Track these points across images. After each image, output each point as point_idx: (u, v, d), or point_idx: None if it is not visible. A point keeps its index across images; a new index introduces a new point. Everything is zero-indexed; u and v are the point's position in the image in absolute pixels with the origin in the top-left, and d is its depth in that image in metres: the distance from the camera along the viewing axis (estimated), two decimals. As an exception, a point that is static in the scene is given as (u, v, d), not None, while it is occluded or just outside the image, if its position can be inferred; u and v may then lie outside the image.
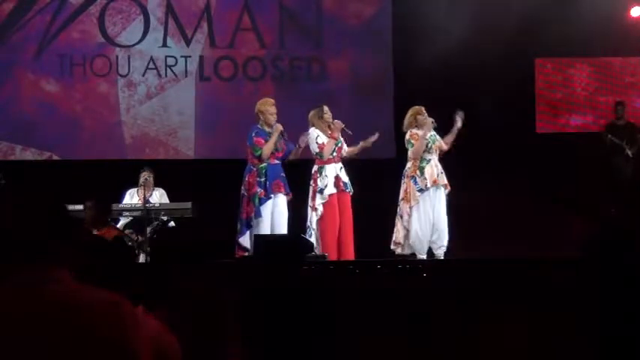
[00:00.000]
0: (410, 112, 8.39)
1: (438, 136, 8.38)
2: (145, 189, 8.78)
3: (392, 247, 8.23)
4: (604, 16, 10.11)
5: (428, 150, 8.25)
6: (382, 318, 5.55)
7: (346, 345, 5.48)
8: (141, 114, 10.44)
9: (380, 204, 8.76)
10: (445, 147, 8.39)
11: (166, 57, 10.47)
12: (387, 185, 8.64)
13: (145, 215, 8.55)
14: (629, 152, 10.44)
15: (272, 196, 7.93)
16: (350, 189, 8.15)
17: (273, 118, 8.00)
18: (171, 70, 10.48)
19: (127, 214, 8.72)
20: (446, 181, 8.24)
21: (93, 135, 10.35)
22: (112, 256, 3.01)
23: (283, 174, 8.04)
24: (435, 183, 8.17)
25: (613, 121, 10.67)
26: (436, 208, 8.18)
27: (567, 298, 5.00)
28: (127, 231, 8.49)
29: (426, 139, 8.22)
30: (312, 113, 8.26)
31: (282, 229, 7.97)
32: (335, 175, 8.09)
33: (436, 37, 9.72)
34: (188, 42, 10.49)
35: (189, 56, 10.50)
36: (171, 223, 8.65)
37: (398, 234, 8.22)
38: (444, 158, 8.41)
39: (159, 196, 8.98)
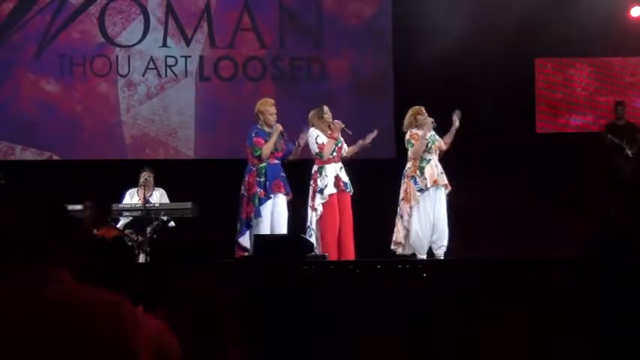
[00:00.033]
0: (410, 112, 8.39)
1: (437, 136, 8.38)
2: (145, 189, 8.77)
3: (392, 247, 8.23)
4: (604, 16, 10.12)
5: (428, 150, 8.25)
6: (382, 318, 5.54)
7: (346, 345, 5.48)
8: (141, 114, 10.43)
9: (380, 204, 8.76)
10: (444, 147, 8.39)
11: (166, 57, 10.47)
12: (387, 185, 8.64)
13: (145, 215, 8.55)
14: (629, 152, 10.43)
15: (272, 196, 7.92)
16: (350, 189, 8.15)
17: (273, 119, 8.00)
18: (171, 70, 10.47)
19: (127, 214, 8.72)
20: (446, 181, 8.24)
21: (93, 135, 10.35)
22: (112, 256, 3.00)
23: (283, 174, 8.03)
24: (435, 183, 8.16)
25: (613, 121, 10.66)
26: (436, 208, 8.18)
27: (567, 298, 4.99)
28: (127, 231, 8.48)
29: (426, 139, 8.22)
30: (312, 113, 8.26)
31: (282, 229, 7.96)
32: (335, 175, 8.09)
33: (436, 37, 9.72)
34: (188, 42, 10.48)
35: (189, 56, 10.50)
36: (172, 223, 8.65)
37: (398, 234, 8.22)
38: (444, 158, 8.41)
39: (159, 196, 8.98)
